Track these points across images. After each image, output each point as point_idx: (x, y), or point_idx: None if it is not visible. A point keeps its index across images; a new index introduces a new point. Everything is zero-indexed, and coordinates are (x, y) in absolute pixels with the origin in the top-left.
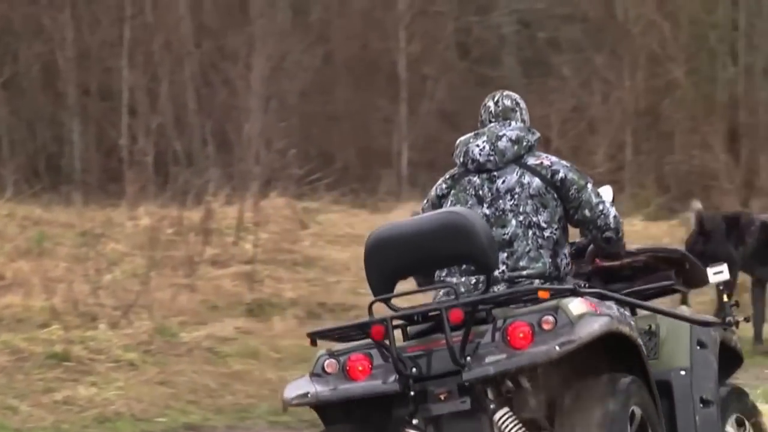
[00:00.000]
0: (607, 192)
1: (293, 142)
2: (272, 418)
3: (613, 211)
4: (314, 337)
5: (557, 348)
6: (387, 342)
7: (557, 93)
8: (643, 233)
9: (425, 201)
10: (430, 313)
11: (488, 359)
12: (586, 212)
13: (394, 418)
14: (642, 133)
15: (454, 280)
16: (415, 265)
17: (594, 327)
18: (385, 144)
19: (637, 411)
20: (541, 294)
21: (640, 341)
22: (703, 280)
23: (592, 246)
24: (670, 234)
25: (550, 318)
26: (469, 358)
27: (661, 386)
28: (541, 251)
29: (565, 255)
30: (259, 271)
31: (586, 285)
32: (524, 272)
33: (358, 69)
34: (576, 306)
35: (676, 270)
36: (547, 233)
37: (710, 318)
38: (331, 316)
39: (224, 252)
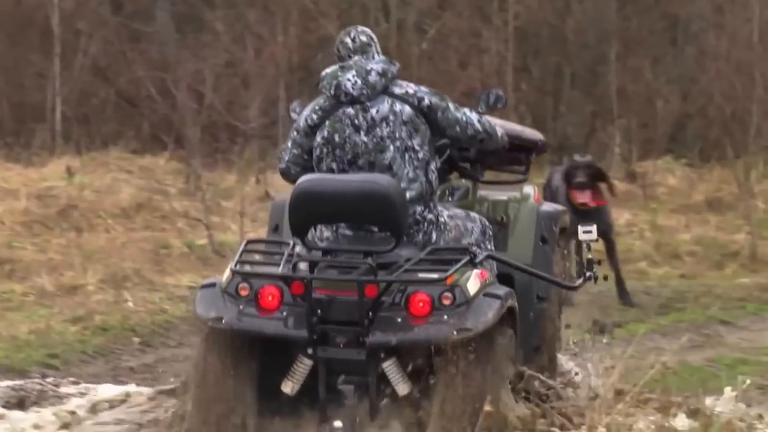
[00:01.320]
0: (483, 98)
1: None
2: None
3: (475, 118)
4: (237, 273)
5: (455, 333)
6: (306, 293)
7: (210, 48)
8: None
9: (293, 132)
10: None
11: (390, 328)
12: (456, 129)
13: (291, 345)
14: (295, 87)
15: (350, 232)
16: (335, 219)
17: (489, 316)
18: (38, 99)
19: (506, 362)
20: (449, 280)
21: (516, 309)
22: (544, 151)
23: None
24: None
25: (449, 295)
26: (371, 314)
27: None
28: (418, 172)
29: (433, 171)
30: None
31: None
32: (407, 194)
33: (11, 24)
34: (472, 284)
35: (526, 152)
36: (420, 155)
37: (575, 283)
38: None
39: None
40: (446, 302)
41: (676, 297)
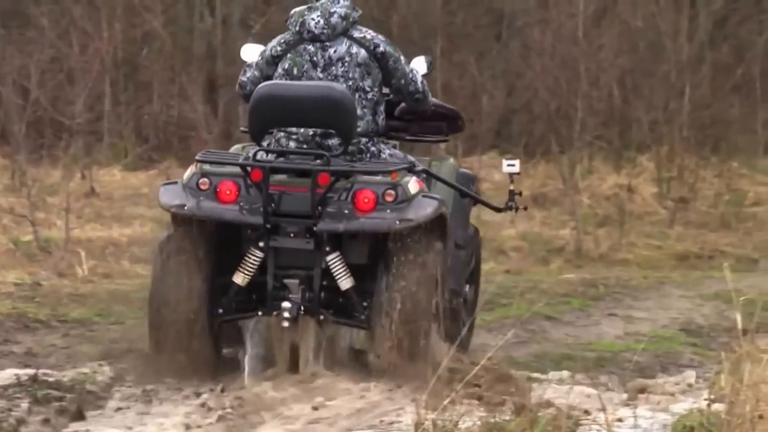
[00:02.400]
0: (420, 62)
1: None
2: None
3: (419, 78)
4: (200, 161)
5: (398, 223)
6: (262, 184)
7: (36, 44)
8: (122, 183)
9: (259, 57)
10: (304, 168)
11: (338, 217)
12: (401, 81)
13: (244, 238)
14: (120, 83)
15: (300, 132)
16: (292, 122)
17: (428, 210)
18: None
19: (440, 271)
20: (393, 176)
21: (448, 217)
22: (461, 130)
23: (403, 104)
24: (149, 184)
25: (392, 192)
26: (320, 208)
27: None
28: (365, 110)
29: (381, 112)
30: None
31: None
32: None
33: None
34: (412, 185)
35: (448, 122)
36: (369, 96)
37: (498, 205)
38: None
39: None
40: (389, 199)
41: (501, 293)
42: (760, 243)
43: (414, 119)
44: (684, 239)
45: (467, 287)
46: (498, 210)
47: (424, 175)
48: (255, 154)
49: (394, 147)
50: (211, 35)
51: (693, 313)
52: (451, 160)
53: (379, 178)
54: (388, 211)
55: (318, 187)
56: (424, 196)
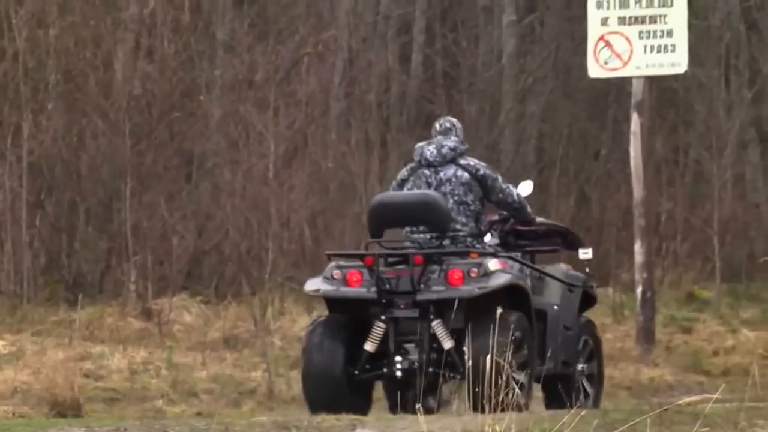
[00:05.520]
0: (527, 184)
1: None
2: None
3: (515, 192)
4: (329, 255)
5: (477, 289)
6: (374, 268)
7: None
8: None
9: (393, 181)
10: (403, 252)
11: (434, 289)
12: (500, 195)
13: (370, 314)
14: None
15: (419, 236)
16: (401, 221)
17: (501, 280)
18: None
19: (518, 334)
20: (473, 255)
21: (529, 289)
22: (577, 247)
23: (513, 220)
24: None
25: (475, 269)
26: (422, 286)
27: (540, 314)
28: (469, 218)
29: (482, 220)
30: None
31: (501, 248)
32: (459, 233)
33: None
34: (492, 264)
35: (562, 237)
36: (472, 208)
37: (578, 281)
38: None
39: None
40: (473, 275)
41: None
42: None
43: (536, 236)
44: None
45: (585, 363)
46: (575, 287)
47: (511, 261)
48: (367, 246)
49: (522, 256)
50: None
51: None
52: (563, 264)
53: (468, 259)
54: (472, 283)
55: (415, 267)
56: (501, 272)
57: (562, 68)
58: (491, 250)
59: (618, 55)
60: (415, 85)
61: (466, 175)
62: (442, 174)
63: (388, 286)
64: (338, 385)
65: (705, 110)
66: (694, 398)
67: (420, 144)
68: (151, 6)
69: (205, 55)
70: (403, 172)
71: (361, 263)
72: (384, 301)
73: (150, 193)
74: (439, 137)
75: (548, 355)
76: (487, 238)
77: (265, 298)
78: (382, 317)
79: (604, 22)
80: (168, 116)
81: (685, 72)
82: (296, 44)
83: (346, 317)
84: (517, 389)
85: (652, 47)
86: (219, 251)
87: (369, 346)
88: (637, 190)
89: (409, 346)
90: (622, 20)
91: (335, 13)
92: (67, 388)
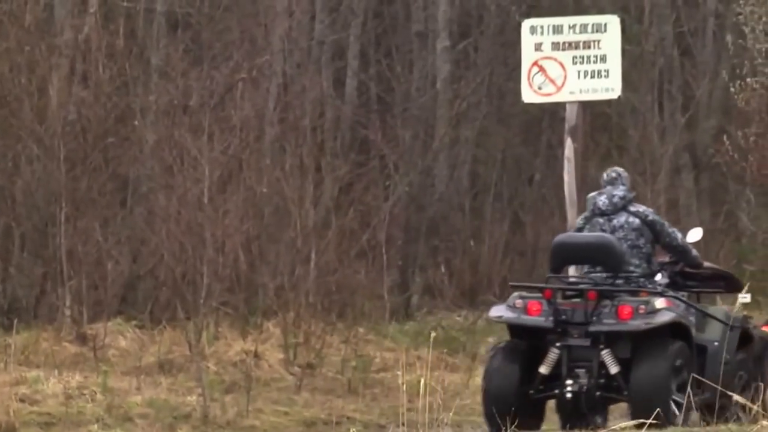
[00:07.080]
0: (696, 231)
1: None
2: None
3: (679, 237)
4: (513, 286)
5: (644, 325)
6: (552, 300)
7: None
8: None
9: (574, 229)
10: (579, 288)
11: (605, 322)
12: (666, 239)
13: (547, 341)
14: None
15: (595, 275)
16: (579, 260)
17: (666, 317)
18: None
19: (679, 362)
20: (642, 294)
21: (691, 326)
22: (738, 290)
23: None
24: None
25: (643, 306)
26: (594, 318)
27: (700, 349)
28: (641, 260)
29: (653, 261)
30: None
31: (670, 288)
32: (632, 274)
33: None
34: (659, 302)
35: (725, 281)
36: (643, 250)
37: (737, 322)
38: None
39: None
40: (641, 311)
41: None
42: (387, 409)
43: (702, 279)
44: (311, 405)
45: (740, 395)
46: (732, 328)
47: (677, 300)
48: (547, 280)
49: (688, 296)
50: None
51: None
52: (722, 305)
53: (637, 297)
54: (640, 319)
55: (589, 301)
56: (667, 310)
57: (496, 93)
58: (660, 289)
59: (552, 81)
60: (350, 110)
61: (637, 221)
62: (615, 221)
63: (564, 317)
64: (514, 403)
65: (639, 135)
66: None
67: (591, 194)
68: (85, 32)
69: (139, 81)
70: (579, 222)
71: (540, 295)
72: (559, 330)
73: (85, 218)
74: (609, 187)
75: (706, 385)
76: (658, 277)
77: (200, 322)
78: (557, 344)
79: (538, 47)
80: (103, 141)
81: (619, 97)
82: (230, 69)
83: (525, 343)
84: (674, 408)
85: (585, 72)
86: (154, 276)
87: (544, 369)
88: (571, 216)
89: (580, 371)
90: (555, 45)
91: (269, 39)
92: (3, 412)
